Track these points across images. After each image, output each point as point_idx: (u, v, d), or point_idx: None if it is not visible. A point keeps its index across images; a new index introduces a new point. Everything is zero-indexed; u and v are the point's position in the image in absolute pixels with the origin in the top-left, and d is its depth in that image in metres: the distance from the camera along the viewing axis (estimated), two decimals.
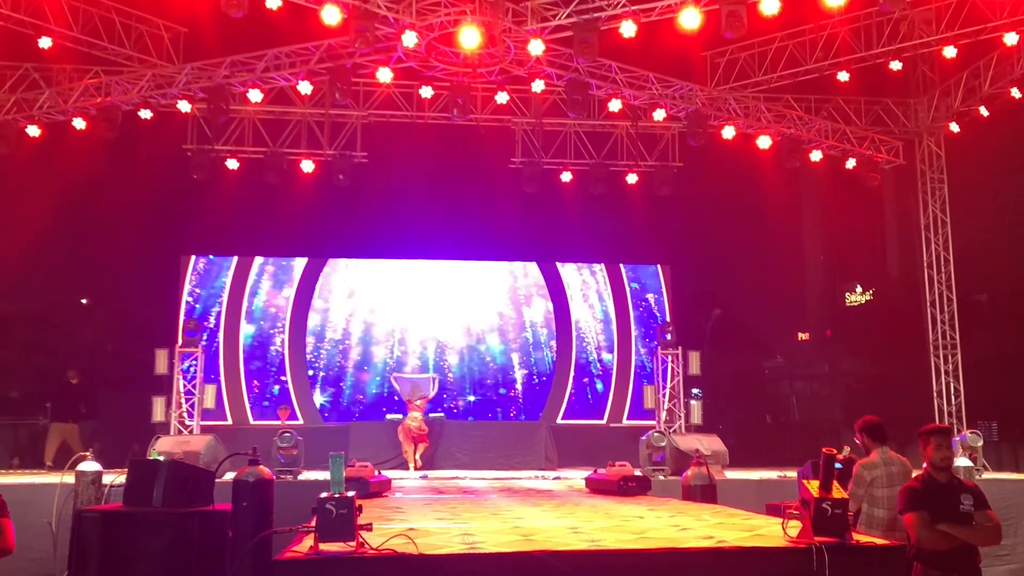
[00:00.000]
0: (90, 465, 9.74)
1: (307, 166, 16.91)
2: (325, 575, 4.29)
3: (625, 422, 18.70)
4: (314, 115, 17.07)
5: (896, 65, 15.44)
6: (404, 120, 17.06)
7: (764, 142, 16.62)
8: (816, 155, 17.01)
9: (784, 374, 23.34)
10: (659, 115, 16.27)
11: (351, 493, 4.53)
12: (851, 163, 17.16)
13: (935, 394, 16.85)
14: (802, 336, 24.19)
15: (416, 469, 14.73)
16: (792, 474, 11.81)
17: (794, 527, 4.85)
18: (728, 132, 16.33)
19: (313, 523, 4.47)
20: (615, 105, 16.05)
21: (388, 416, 17.04)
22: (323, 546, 4.40)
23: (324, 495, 4.46)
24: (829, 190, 20.35)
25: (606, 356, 19.25)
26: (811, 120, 16.83)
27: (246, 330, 18.42)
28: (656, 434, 13.98)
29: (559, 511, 7.25)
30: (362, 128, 17.13)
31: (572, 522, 6.18)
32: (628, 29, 13.36)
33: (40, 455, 15.15)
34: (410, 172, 17.53)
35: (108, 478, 9.77)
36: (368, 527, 4.55)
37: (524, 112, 17.25)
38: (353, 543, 4.41)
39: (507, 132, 17.58)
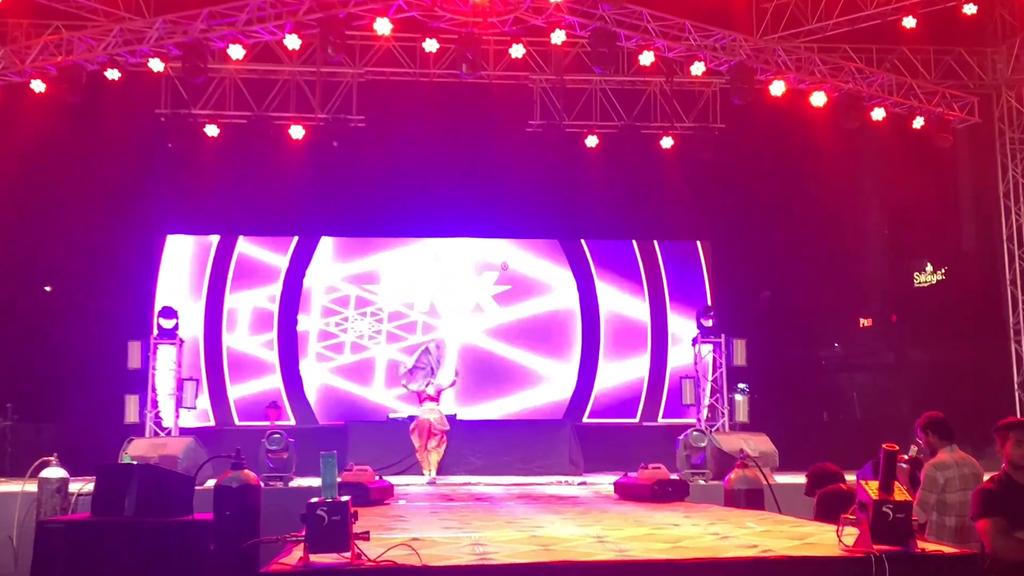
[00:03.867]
0: (54, 471, 9.86)
1: (297, 132, 16.93)
2: None
3: (660, 420, 18.69)
4: (303, 74, 17.07)
5: (970, 9, 15.27)
6: (406, 78, 17.04)
7: (818, 99, 16.48)
8: (878, 113, 16.87)
9: (843, 365, 23.24)
10: (697, 69, 16.18)
11: (345, 498, 4.55)
12: (919, 122, 17.00)
13: (1016, 385, 16.76)
14: (864, 322, 24.05)
15: (427, 473, 14.70)
16: (851, 478, 11.77)
17: (850, 534, 4.83)
18: (777, 88, 16.23)
19: (303, 532, 4.50)
20: (647, 58, 15.95)
21: (391, 415, 17.10)
22: (314, 557, 4.43)
23: (315, 500, 4.49)
24: (894, 154, 20.14)
25: (638, 345, 19.22)
26: (872, 73, 16.70)
27: (229, 318, 18.50)
28: (695, 433, 14.00)
29: (583, 519, 7.28)
30: (358, 88, 17.12)
31: (597, 531, 6.20)
32: None
33: (3, 457, 15.36)
34: (413, 138, 17.50)
35: (75, 486, 9.88)
36: (365, 536, 4.58)
37: (542, 68, 17.19)
38: (348, 554, 4.44)
39: (523, 91, 17.53)
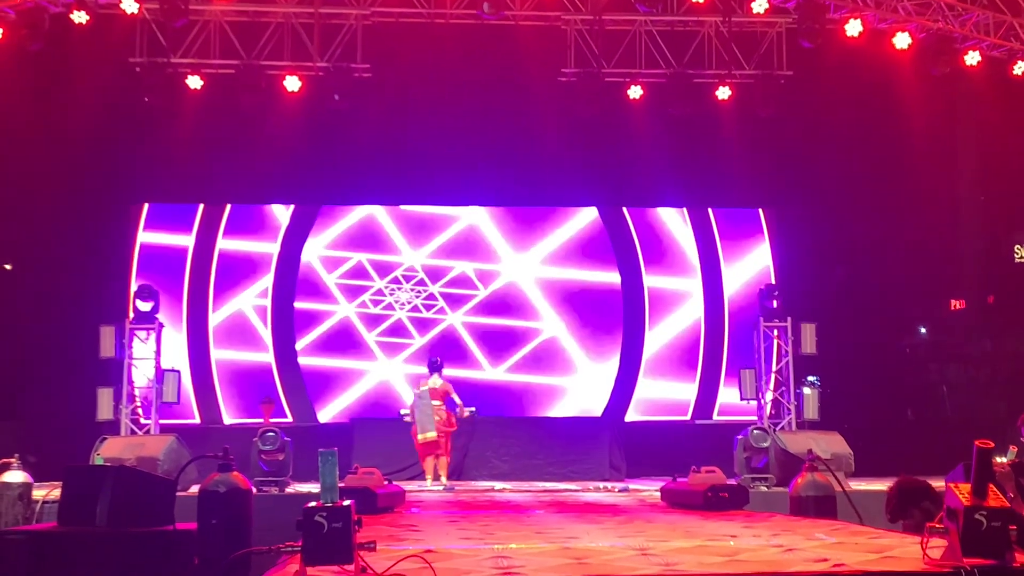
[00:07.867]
0: (16, 475, 9.98)
1: (292, 84, 16.95)
2: None
3: (716, 418, 18.67)
4: (300, 16, 17.07)
5: None
6: (418, 20, 17.00)
7: (902, 41, 16.33)
8: (973, 58, 16.70)
9: (931, 354, 23.13)
10: (759, 6, 16.07)
11: (348, 502, 4.58)
12: (1021, 68, 16.82)
13: None
14: (956, 304, 23.90)
15: (434, 481, 14.81)
16: (940, 484, 11.73)
17: (937, 546, 4.80)
18: (853, 28, 16.10)
19: (299, 542, 4.52)
20: None
21: (403, 411, 17.18)
22: (311, 570, 4.46)
23: (312, 504, 4.51)
24: (991, 106, 19.96)
25: (690, 330, 19.19)
26: (966, 10, 16.52)
27: (216, 301, 18.61)
28: (757, 432, 13.98)
29: (624, 529, 7.34)
30: (363, 32, 17.10)
31: (641, 542, 6.24)
32: None
33: None
34: (427, 90, 17.52)
35: (39, 492, 10.00)
36: (371, 546, 4.61)
37: (578, 7, 17.12)
38: (350, 566, 4.46)
39: (556, 34, 17.44)
